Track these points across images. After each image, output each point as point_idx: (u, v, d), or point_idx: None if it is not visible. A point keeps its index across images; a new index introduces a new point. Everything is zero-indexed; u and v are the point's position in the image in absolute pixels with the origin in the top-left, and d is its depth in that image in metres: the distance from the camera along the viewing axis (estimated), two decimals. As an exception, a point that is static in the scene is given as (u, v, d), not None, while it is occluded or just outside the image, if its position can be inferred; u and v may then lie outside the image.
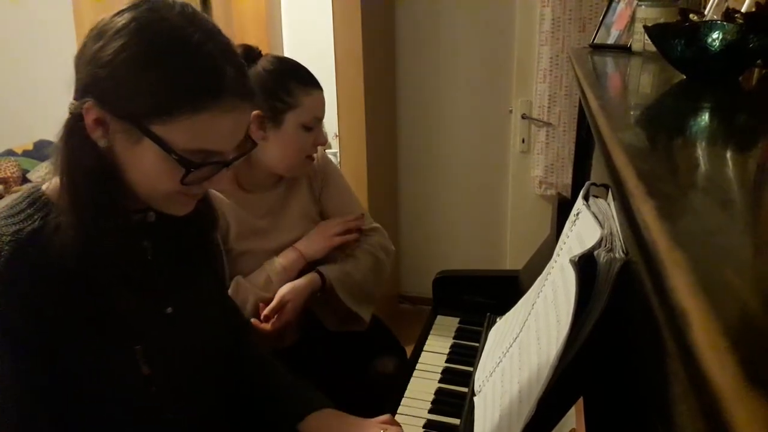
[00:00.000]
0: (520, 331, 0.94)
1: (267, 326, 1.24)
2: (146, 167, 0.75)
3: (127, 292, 0.79)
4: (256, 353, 1.08)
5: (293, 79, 1.27)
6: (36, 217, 0.76)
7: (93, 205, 0.75)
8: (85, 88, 0.74)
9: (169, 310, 0.87)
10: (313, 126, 1.30)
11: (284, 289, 1.28)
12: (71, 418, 0.79)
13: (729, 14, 0.84)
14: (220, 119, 0.74)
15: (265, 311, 1.25)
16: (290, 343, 1.35)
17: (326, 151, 1.51)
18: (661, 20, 1.15)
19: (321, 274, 1.32)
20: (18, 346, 0.72)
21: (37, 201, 0.78)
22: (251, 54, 1.28)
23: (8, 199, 0.81)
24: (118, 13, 0.74)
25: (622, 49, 1.41)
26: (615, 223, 0.78)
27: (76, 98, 0.75)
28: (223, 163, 0.79)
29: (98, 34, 0.73)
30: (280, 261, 1.32)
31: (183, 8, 0.75)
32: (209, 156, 0.76)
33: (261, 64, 1.27)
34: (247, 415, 1.03)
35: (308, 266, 1.34)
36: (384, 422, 0.94)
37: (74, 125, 0.75)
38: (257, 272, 1.31)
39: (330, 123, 2.68)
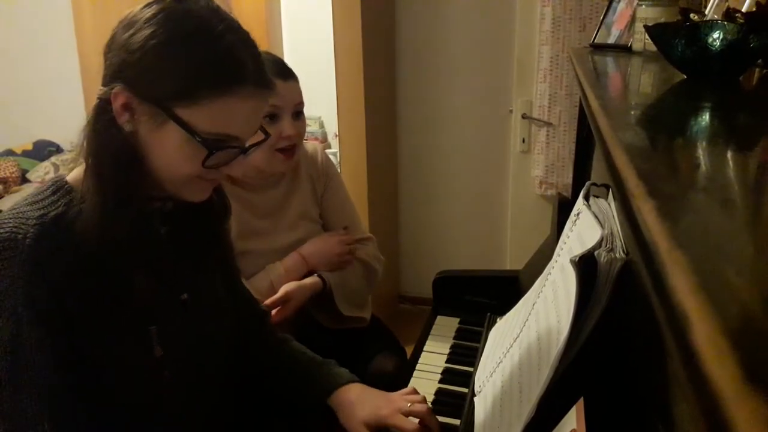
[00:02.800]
0: (521, 331, 0.94)
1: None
2: (169, 150, 0.79)
3: (144, 276, 0.83)
4: (278, 336, 1.12)
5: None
6: (60, 203, 0.80)
7: (116, 187, 0.79)
8: (114, 74, 0.78)
9: (185, 296, 0.91)
10: (272, 118, 1.25)
11: (290, 286, 1.29)
12: (87, 399, 0.81)
13: (729, 14, 0.84)
14: (239, 105, 0.78)
15: (268, 301, 1.26)
16: None
17: (326, 151, 1.51)
18: (662, 20, 1.15)
19: (322, 279, 1.34)
20: (40, 319, 0.76)
21: (60, 188, 0.82)
22: None
23: (33, 189, 0.86)
24: (147, 5, 0.79)
25: (622, 49, 1.41)
26: (615, 223, 0.78)
27: (104, 84, 0.79)
28: (241, 149, 0.83)
29: (128, 24, 0.78)
30: (284, 264, 1.32)
31: (207, 2, 0.80)
32: (229, 140, 0.80)
33: None
34: (269, 399, 1.06)
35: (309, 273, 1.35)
36: (408, 394, 0.98)
37: (102, 110, 0.79)
38: (260, 277, 1.31)
39: (330, 123, 2.69)
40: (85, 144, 0.80)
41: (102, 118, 0.79)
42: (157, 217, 0.88)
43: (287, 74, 1.28)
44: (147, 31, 0.76)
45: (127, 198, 0.80)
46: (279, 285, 1.29)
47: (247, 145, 0.84)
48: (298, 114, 1.30)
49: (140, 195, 0.82)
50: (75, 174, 0.84)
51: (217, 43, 0.77)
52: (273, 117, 1.26)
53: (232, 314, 1.01)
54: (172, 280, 0.90)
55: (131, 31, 0.77)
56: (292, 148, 1.30)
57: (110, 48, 0.79)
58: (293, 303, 1.28)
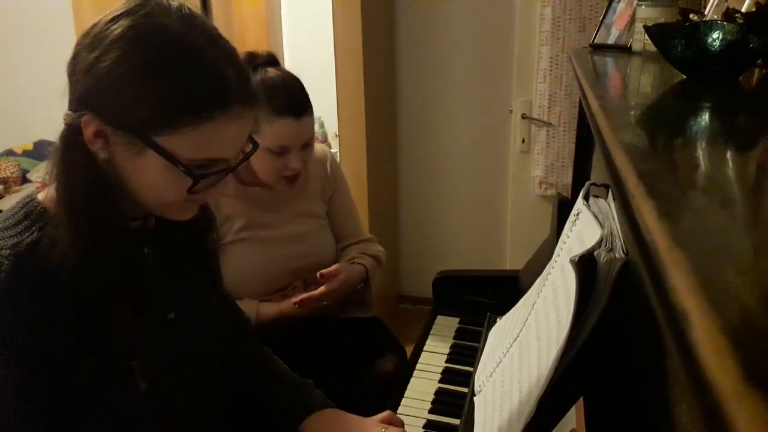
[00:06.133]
0: (521, 331, 0.94)
1: (319, 291, 1.28)
2: (151, 178, 0.73)
3: (126, 305, 0.77)
4: (256, 352, 1.07)
5: (263, 103, 1.20)
6: (34, 228, 0.74)
7: (90, 219, 0.72)
8: (82, 100, 0.70)
9: (172, 315, 0.86)
10: (281, 152, 1.25)
11: (343, 265, 1.35)
12: None
13: (729, 14, 0.84)
14: (225, 127, 0.72)
15: (324, 271, 1.29)
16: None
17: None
18: (662, 20, 1.15)
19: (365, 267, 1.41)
20: (18, 360, 0.71)
21: (33, 212, 0.76)
22: (253, 62, 1.24)
23: (4, 209, 0.78)
24: (112, 20, 0.70)
25: (622, 49, 1.41)
26: (615, 223, 0.78)
27: (72, 109, 0.72)
28: (229, 169, 0.77)
29: (92, 43, 0.70)
30: (260, 309, 1.29)
31: (181, 11, 0.71)
32: (214, 164, 0.74)
33: (259, 75, 1.24)
34: (248, 416, 1.02)
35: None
36: (385, 419, 0.94)
37: (71, 137, 0.71)
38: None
39: (330, 123, 2.68)
40: (54, 172, 0.72)
41: (72, 146, 0.71)
42: (140, 237, 0.82)
43: (301, 110, 1.24)
44: (115, 54, 0.67)
45: (102, 227, 0.73)
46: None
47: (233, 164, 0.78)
48: (306, 145, 1.29)
49: (117, 222, 0.76)
50: (48, 194, 0.77)
51: (198, 63, 0.70)
52: (282, 151, 1.25)
53: (222, 326, 0.97)
54: (158, 301, 0.84)
55: (96, 53, 0.68)
56: (296, 175, 1.30)
57: (74, 69, 0.71)
58: (342, 277, 1.31)
